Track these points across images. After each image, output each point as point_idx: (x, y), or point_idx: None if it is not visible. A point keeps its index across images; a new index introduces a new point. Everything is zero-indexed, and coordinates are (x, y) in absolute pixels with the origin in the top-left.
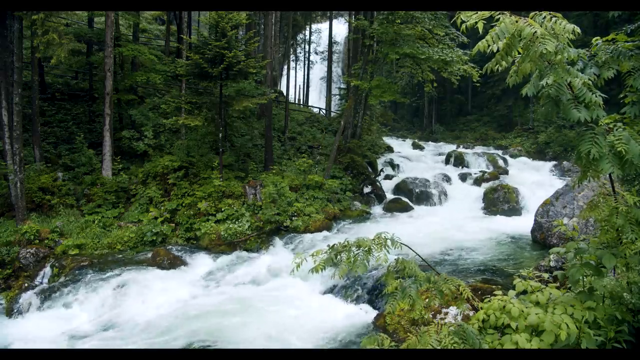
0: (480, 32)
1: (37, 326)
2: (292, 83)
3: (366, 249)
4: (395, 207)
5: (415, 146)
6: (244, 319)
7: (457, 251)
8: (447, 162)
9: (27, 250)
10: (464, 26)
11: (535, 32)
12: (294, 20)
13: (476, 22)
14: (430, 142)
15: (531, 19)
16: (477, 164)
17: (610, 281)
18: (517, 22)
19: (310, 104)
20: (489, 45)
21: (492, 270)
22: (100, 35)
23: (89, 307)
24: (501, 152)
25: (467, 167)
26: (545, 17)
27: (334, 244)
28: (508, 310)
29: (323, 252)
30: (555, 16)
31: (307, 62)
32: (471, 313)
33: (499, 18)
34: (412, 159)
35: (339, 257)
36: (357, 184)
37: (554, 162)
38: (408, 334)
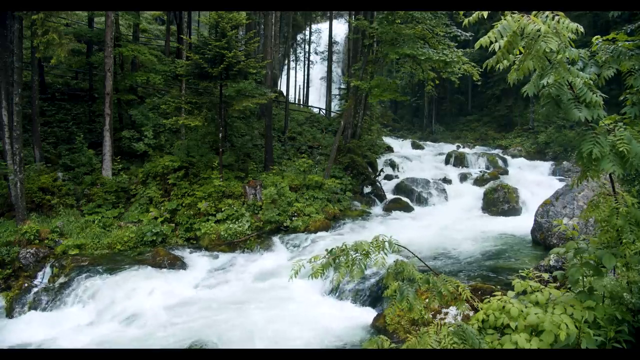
0: (486, 17)
1: (37, 326)
2: (292, 83)
3: (364, 252)
4: (395, 207)
5: (415, 146)
6: (243, 319)
7: (457, 251)
8: (447, 162)
9: (27, 250)
10: (466, 20)
11: (539, 29)
12: (294, 20)
13: (479, 17)
14: (430, 142)
15: (534, 17)
16: (477, 164)
17: (610, 281)
18: (519, 20)
19: (310, 104)
20: (491, 42)
21: (492, 270)
22: (100, 35)
23: (89, 307)
24: (501, 152)
25: (467, 167)
26: (547, 16)
27: (332, 248)
28: (507, 310)
29: (321, 257)
30: (558, 14)
31: (307, 62)
32: (471, 313)
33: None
34: (412, 159)
35: (337, 261)
36: (357, 184)
37: (554, 162)
38: (408, 334)
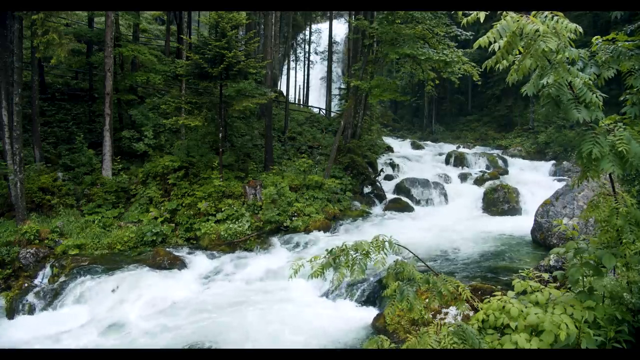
0: (482, 21)
1: (37, 326)
2: (292, 83)
3: (364, 252)
4: (396, 207)
5: (415, 146)
6: (243, 319)
7: (457, 251)
8: (447, 162)
9: (27, 250)
10: (465, 20)
11: (538, 29)
12: (294, 20)
13: (477, 17)
14: (430, 142)
15: (533, 17)
16: (477, 164)
17: (610, 281)
18: (518, 20)
19: (310, 104)
20: (490, 43)
21: (492, 270)
22: (100, 35)
23: (89, 306)
24: (501, 152)
25: (467, 167)
26: (547, 16)
27: (332, 248)
28: (507, 310)
29: (321, 257)
30: (557, 15)
31: (307, 62)
32: (471, 313)
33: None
34: (412, 159)
35: (337, 261)
36: (357, 184)
37: (554, 162)
38: (408, 334)
